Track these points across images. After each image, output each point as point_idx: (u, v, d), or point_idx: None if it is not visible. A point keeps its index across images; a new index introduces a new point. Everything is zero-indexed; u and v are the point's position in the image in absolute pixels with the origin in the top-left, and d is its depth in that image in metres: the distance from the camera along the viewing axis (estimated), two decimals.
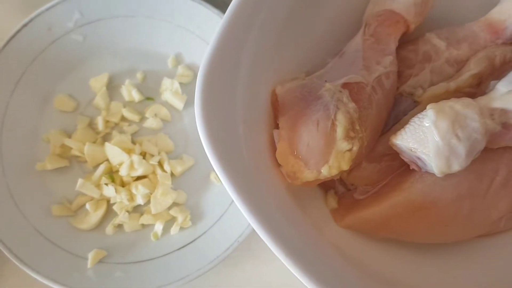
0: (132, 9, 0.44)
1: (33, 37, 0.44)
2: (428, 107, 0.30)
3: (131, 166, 0.40)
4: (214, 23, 0.43)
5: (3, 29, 0.45)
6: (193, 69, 0.45)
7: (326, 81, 0.33)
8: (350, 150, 0.30)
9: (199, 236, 0.41)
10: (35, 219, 0.40)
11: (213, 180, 0.43)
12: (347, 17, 0.39)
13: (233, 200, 0.41)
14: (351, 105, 0.32)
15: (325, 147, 0.30)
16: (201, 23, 0.44)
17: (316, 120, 0.31)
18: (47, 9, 0.43)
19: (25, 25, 0.43)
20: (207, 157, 0.42)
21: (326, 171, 0.30)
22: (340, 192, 0.36)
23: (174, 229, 0.41)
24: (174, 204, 0.42)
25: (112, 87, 0.45)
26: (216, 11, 0.43)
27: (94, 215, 0.40)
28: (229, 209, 0.41)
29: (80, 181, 0.40)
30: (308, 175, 0.31)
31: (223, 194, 0.42)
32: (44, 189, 0.42)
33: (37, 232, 0.40)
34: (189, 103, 0.44)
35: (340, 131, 0.30)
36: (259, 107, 0.34)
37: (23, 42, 0.43)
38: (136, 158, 0.40)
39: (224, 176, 0.28)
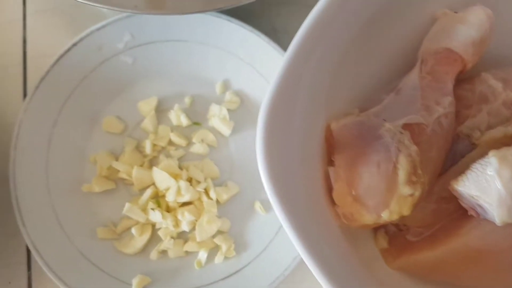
0: (185, 34, 0.43)
1: (82, 56, 0.43)
2: (490, 154, 0.30)
3: (178, 192, 0.40)
4: (264, 51, 0.43)
5: (53, 47, 0.45)
6: (240, 95, 0.45)
7: (384, 120, 0.33)
8: (412, 195, 0.30)
9: (244, 267, 0.40)
10: (79, 241, 0.40)
11: (258, 209, 0.42)
12: (401, 53, 0.38)
13: (277, 232, 0.41)
14: (413, 148, 0.31)
15: (387, 191, 0.30)
16: (251, 50, 0.43)
17: (377, 161, 0.31)
18: (98, 29, 0.43)
19: (75, 44, 0.43)
20: (252, 185, 0.42)
21: (387, 216, 0.30)
22: (391, 231, 0.36)
23: (218, 258, 0.40)
24: (219, 232, 0.41)
25: (160, 111, 0.44)
26: (266, 39, 0.42)
27: (139, 240, 0.40)
28: (273, 241, 0.41)
29: (127, 205, 0.40)
30: (368, 218, 0.30)
31: (268, 225, 0.41)
32: (89, 210, 0.42)
33: (81, 255, 0.40)
34: (235, 129, 0.44)
35: (402, 175, 0.30)
36: (313, 143, 0.33)
37: (73, 60, 0.43)
38: (183, 184, 0.40)
39: (283, 216, 0.28)
